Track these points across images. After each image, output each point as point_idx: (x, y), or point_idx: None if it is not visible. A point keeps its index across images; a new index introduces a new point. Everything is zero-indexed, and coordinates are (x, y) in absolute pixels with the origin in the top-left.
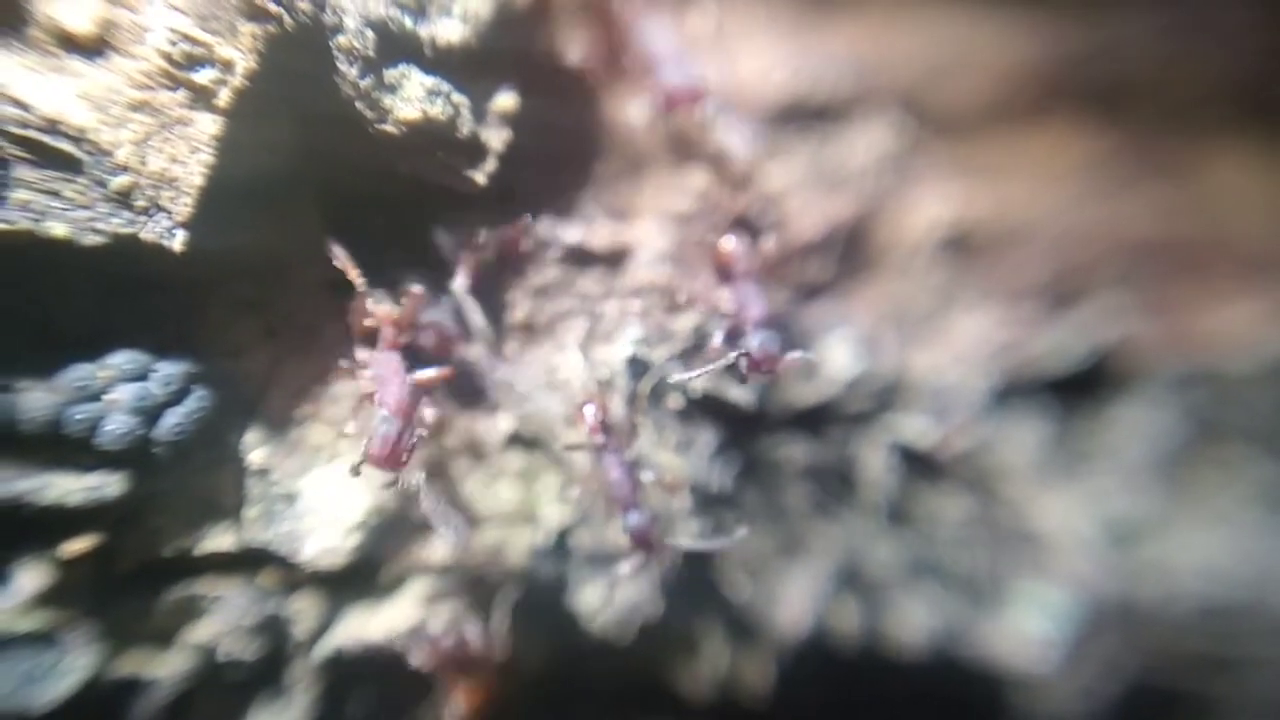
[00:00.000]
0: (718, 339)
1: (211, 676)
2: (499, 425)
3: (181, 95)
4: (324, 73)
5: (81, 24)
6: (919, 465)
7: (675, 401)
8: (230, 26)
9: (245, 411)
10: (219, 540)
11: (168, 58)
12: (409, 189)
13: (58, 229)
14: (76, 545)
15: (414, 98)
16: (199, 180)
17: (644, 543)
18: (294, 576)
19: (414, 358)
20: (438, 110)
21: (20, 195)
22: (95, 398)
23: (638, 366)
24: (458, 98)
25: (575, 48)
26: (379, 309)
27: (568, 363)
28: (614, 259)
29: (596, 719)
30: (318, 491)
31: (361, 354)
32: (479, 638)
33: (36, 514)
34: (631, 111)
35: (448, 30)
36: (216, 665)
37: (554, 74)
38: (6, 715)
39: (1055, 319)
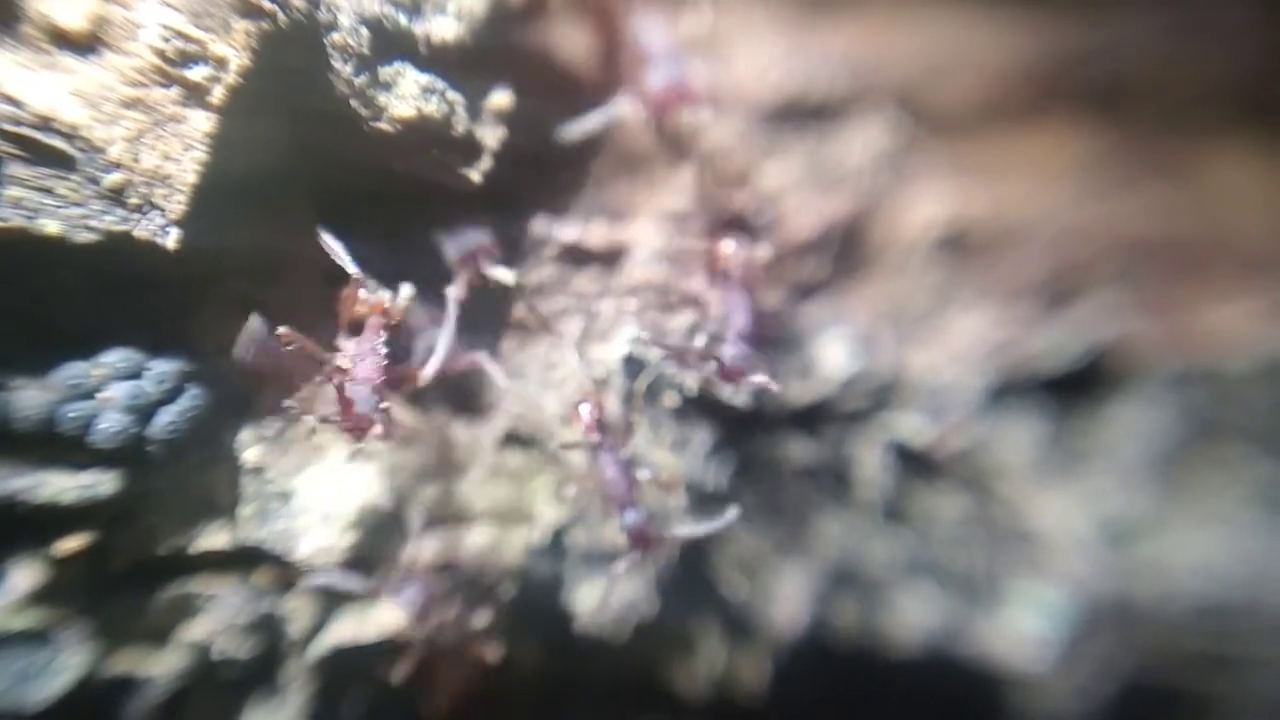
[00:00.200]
0: (700, 340)
1: (206, 675)
2: (494, 424)
3: (175, 92)
4: (318, 70)
5: (74, 20)
6: (915, 464)
7: (671, 400)
8: (224, 23)
9: (239, 410)
10: (213, 539)
11: (161, 54)
12: (404, 187)
13: (50, 226)
14: (70, 543)
15: (409, 95)
16: (192, 178)
17: (641, 541)
18: (289, 575)
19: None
20: (432, 108)
21: (13, 192)
22: (89, 396)
23: (634, 365)
24: (453, 95)
25: (570, 46)
26: (370, 296)
27: (564, 361)
28: (610, 258)
29: (592, 718)
30: (312, 490)
31: (343, 339)
32: (464, 629)
33: (30, 512)
34: (627, 110)
35: (442, 28)
36: (211, 664)
37: (550, 72)
38: (1, 714)
39: (1052, 318)
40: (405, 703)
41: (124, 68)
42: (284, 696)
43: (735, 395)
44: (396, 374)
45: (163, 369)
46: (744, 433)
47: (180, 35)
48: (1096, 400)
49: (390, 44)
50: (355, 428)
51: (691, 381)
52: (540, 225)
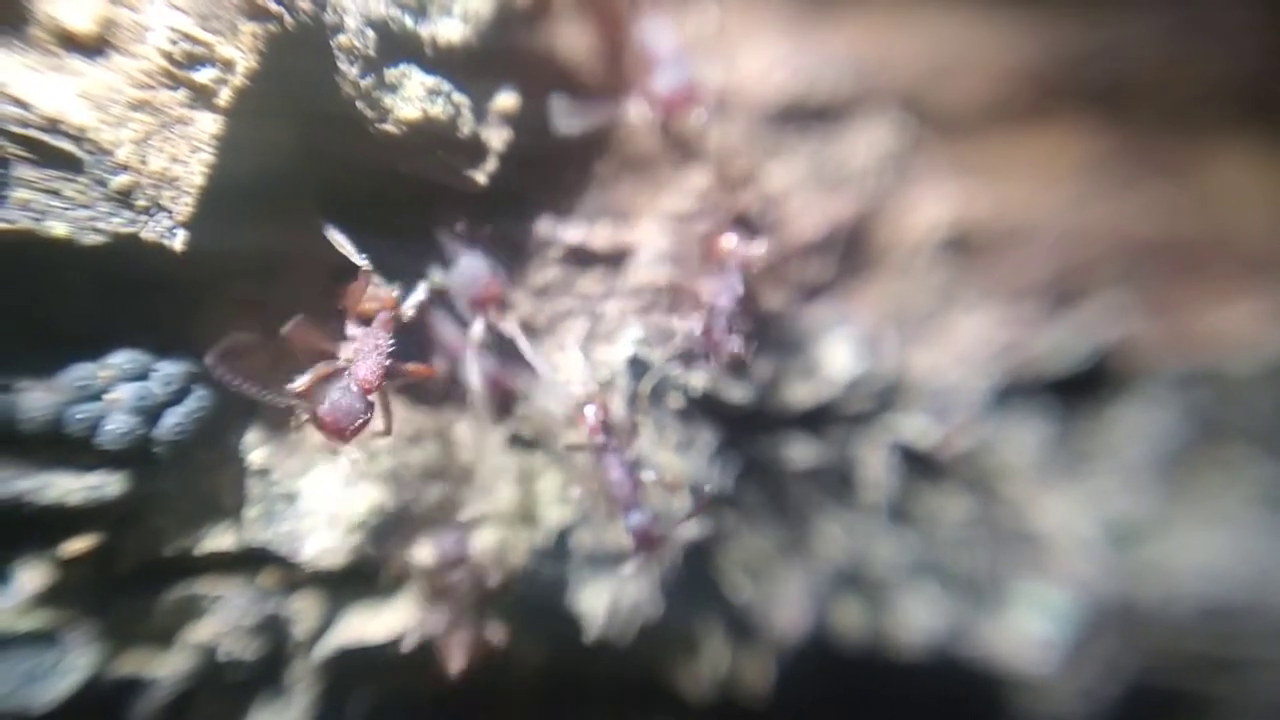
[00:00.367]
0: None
1: (212, 676)
2: (500, 425)
3: (182, 94)
4: (325, 72)
5: (82, 23)
6: (919, 465)
7: (676, 401)
8: (231, 26)
9: (245, 411)
10: (219, 540)
11: (168, 57)
12: (409, 188)
13: (58, 228)
14: (77, 545)
15: (414, 97)
16: (200, 180)
17: (646, 542)
18: (294, 576)
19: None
20: (438, 110)
21: (20, 194)
22: (96, 397)
23: (638, 366)
24: (458, 97)
25: (576, 48)
26: (379, 290)
27: (568, 363)
28: (615, 259)
29: (596, 719)
30: (318, 491)
31: (351, 329)
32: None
33: (37, 513)
34: (632, 111)
35: (448, 30)
36: (217, 665)
37: (555, 74)
38: (7, 714)
39: (1056, 319)
40: (409, 703)
41: (131, 70)
42: (290, 697)
43: (742, 394)
44: (401, 371)
45: (169, 370)
46: (748, 434)
47: (187, 38)
48: (1100, 401)
49: (396, 46)
50: (334, 431)
51: (696, 382)
52: (545, 226)
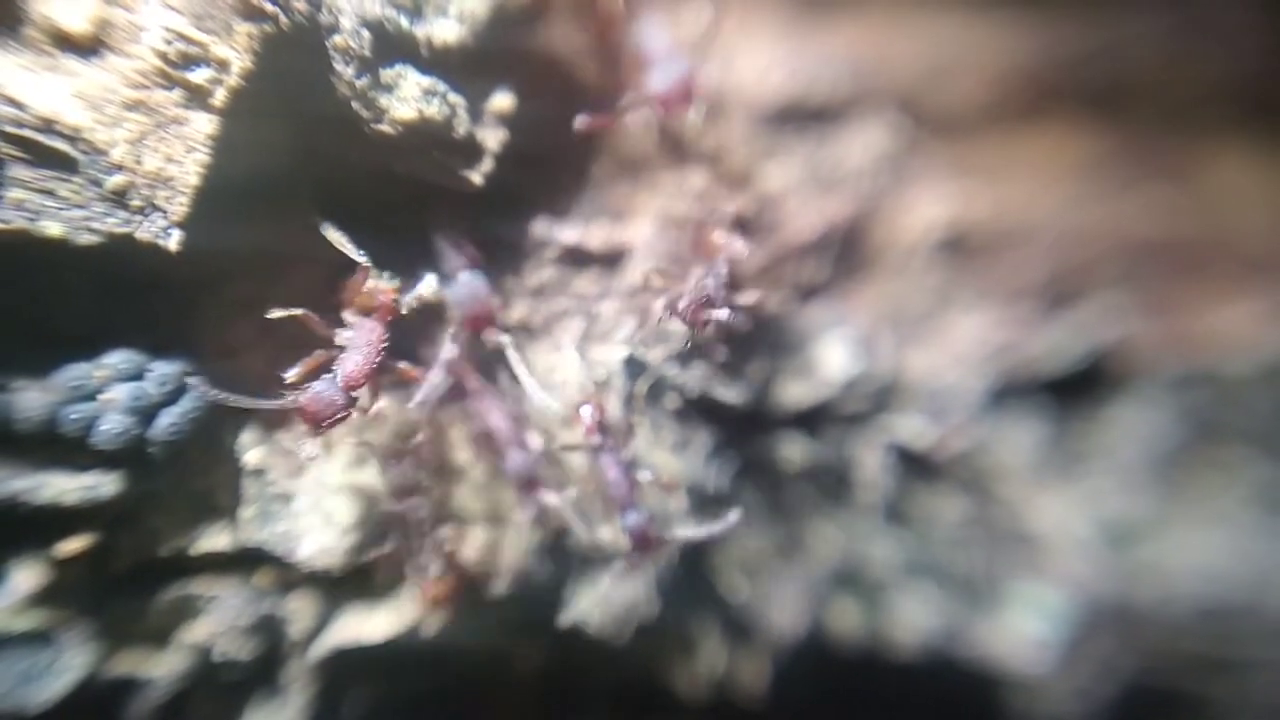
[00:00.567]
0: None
1: (207, 676)
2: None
3: (177, 95)
4: (320, 72)
5: (77, 23)
6: (916, 466)
7: (672, 402)
8: (226, 26)
9: (241, 412)
10: (215, 540)
11: (163, 57)
12: (405, 189)
13: (53, 228)
14: (72, 545)
15: (410, 98)
16: (195, 180)
17: (642, 542)
18: (290, 576)
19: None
20: (434, 110)
21: (15, 194)
22: (91, 397)
23: (634, 367)
24: (454, 98)
25: (572, 48)
26: (379, 284)
27: (564, 363)
28: (611, 259)
29: (593, 719)
30: (313, 491)
31: (349, 317)
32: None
33: (32, 513)
34: (627, 112)
35: (444, 30)
36: (212, 665)
37: (551, 74)
38: (2, 714)
39: (1053, 320)
40: (405, 703)
41: (126, 70)
42: (285, 698)
43: (739, 395)
44: (392, 368)
45: (164, 370)
46: (745, 434)
47: (182, 38)
48: (1097, 402)
49: (392, 46)
50: (311, 420)
51: (693, 383)
52: (541, 227)
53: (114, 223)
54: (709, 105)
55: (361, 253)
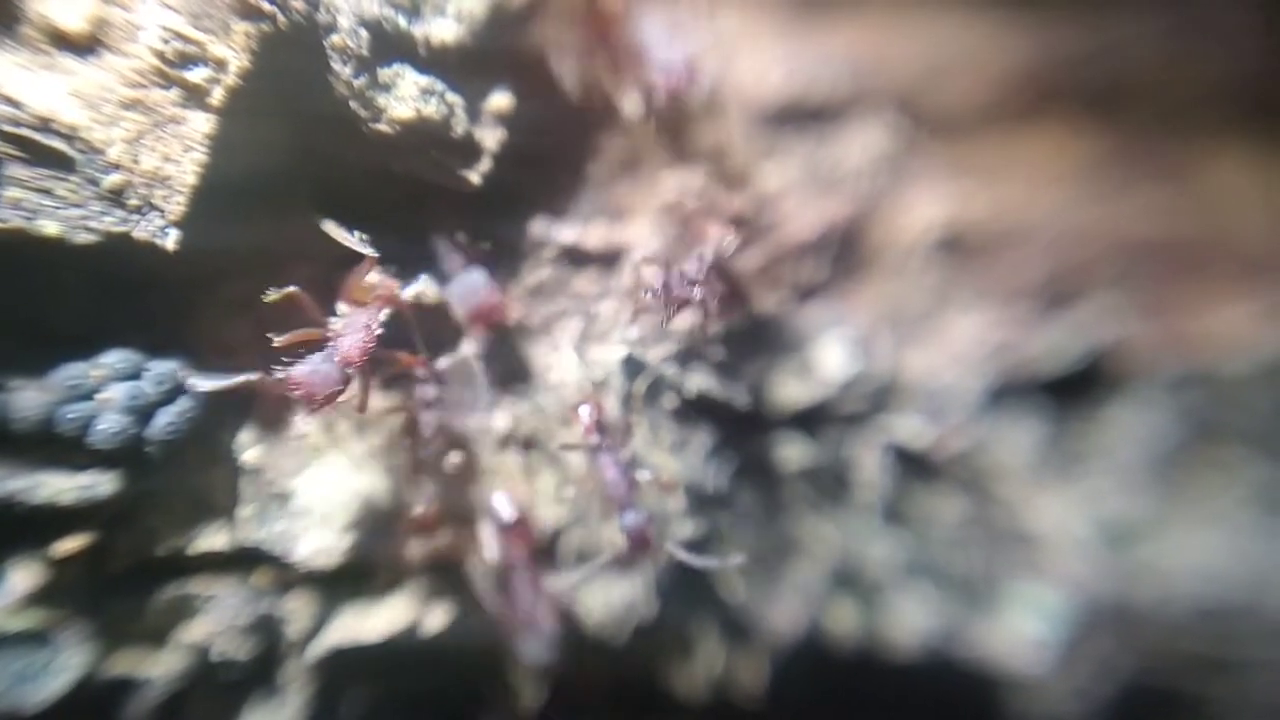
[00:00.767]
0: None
1: (205, 676)
2: (494, 425)
3: (174, 94)
4: (318, 72)
5: (74, 22)
6: (914, 466)
7: (671, 401)
8: (223, 25)
9: (238, 411)
10: (212, 540)
11: (160, 56)
12: (403, 188)
13: (50, 227)
14: (69, 544)
15: (408, 97)
16: (192, 179)
17: (640, 542)
18: (288, 576)
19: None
20: (432, 110)
21: (12, 193)
22: (88, 396)
23: (633, 366)
24: (452, 97)
25: (569, 47)
26: (379, 278)
27: (563, 363)
28: (609, 259)
29: (591, 719)
30: (311, 491)
31: (345, 308)
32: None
33: (29, 513)
34: (627, 109)
35: (442, 29)
36: (210, 665)
37: (549, 74)
38: (0, 714)
39: (1051, 320)
40: (403, 703)
41: (123, 69)
42: (283, 697)
43: (737, 395)
44: (388, 357)
45: (162, 370)
46: (743, 434)
47: (180, 37)
48: (1095, 402)
49: (390, 46)
50: (305, 396)
51: (691, 383)
52: (539, 226)
53: (111, 222)
54: (709, 96)
55: (365, 242)
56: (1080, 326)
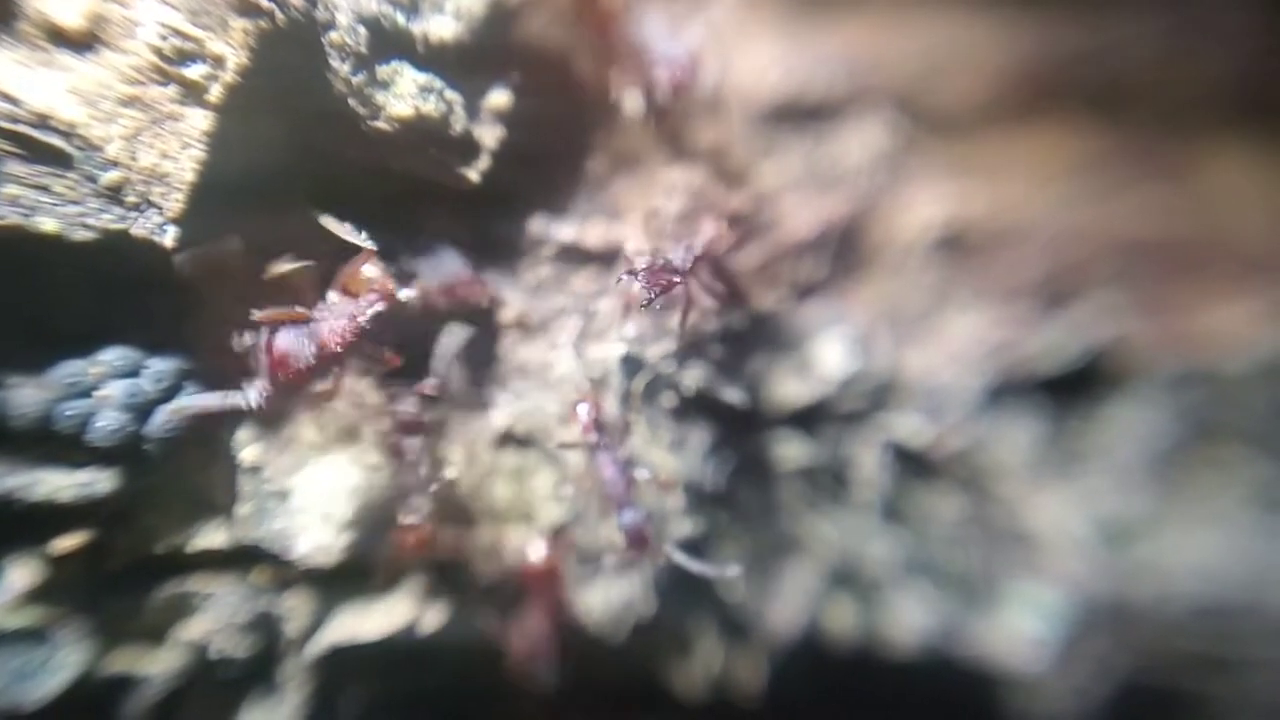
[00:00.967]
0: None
1: (203, 674)
2: (493, 423)
3: (172, 90)
4: (316, 69)
5: (72, 18)
6: (913, 464)
7: (669, 400)
8: (221, 22)
9: (238, 409)
10: (211, 537)
11: (158, 53)
12: (402, 186)
13: (48, 224)
14: (67, 542)
15: (406, 94)
16: (190, 176)
17: (638, 540)
18: (286, 574)
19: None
20: (430, 107)
21: (10, 190)
22: (86, 394)
23: (631, 365)
24: (451, 95)
25: (568, 44)
26: (376, 273)
27: (561, 361)
28: (607, 257)
29: (589, 717)
30: (310, 489)
31: (333, 296)
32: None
33: (27, 510)
34: (626, 107)
35: (440, 27)
36: (208, 663)
37: (548, 71)
38: None
39: (1050, 318)
40: (402, 702)
41: (122, 66)
42: (281, 695)
43: (736, 394)
44: (370, 351)
45: (160, 367)
46: (742, 432)
47: (178, 33)
48: (1094, 401)
49: (388, 43)
50: (277, 364)
51: (690, 381)
52: (538, 224)
53: (109, 219)
54: (711, 92)
55: (364, 235)
56: (1079, 325)
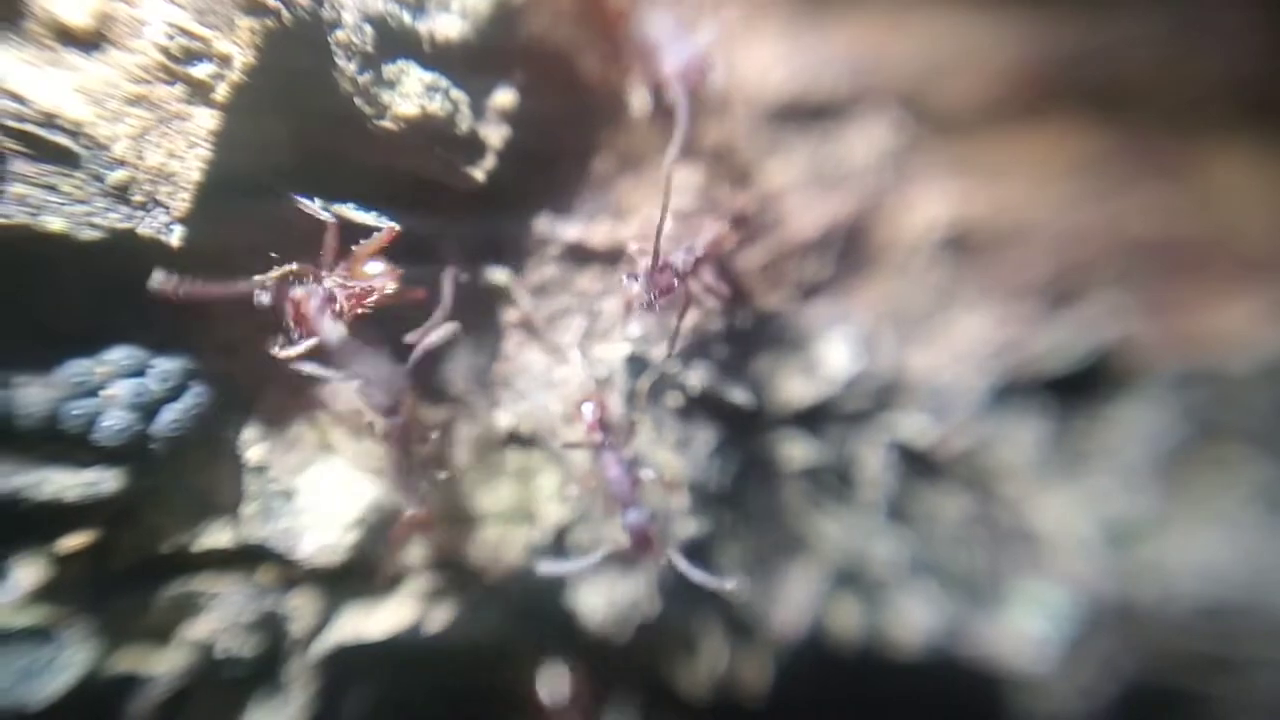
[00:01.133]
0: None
1: (209, 673)
2: (498, 422)
3: (179, 90)
4: (322, 68)
5: (79, 17)
6: (918, 464)
7: (674, 400)
8: (228, 21)
9: (242, 408)
10: (216, 537)
11: (165, 52)
12: (408, 186)
13: (55, 224)
14: (73, 541)
15: (412, 94)
16: (197, 175)
17: (643, 540)
18: (292, 573)
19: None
20: (436, 106)
21: (17, 189)
22: (92, 393)
23: (637, 364)
24: (456, 94)
25: (575, 43)
26: (380, 267)
27: (566, 360)
28: (613, 256)
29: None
30: (315, 488)
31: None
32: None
33: (33, 509)
34: (633, 106)
35: (447, 26)
36: (214, 662)
37: (554, 70)
38: (3, 711)
39: (1054, 318)
40: (407, 701)
41: (129, 65)
42: (287, 695)
43: (741, 394)
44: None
45: (166, 367)
46: (747, 432)
47: (185, 32)
48: (1099, 401)
49: (394, 42)
50: (298, 316)
51: (695, 381)
52: (543, 224)
53: (116, 218)
54: (721, 91)
55: (381, 218)
56: (1084, 325)
